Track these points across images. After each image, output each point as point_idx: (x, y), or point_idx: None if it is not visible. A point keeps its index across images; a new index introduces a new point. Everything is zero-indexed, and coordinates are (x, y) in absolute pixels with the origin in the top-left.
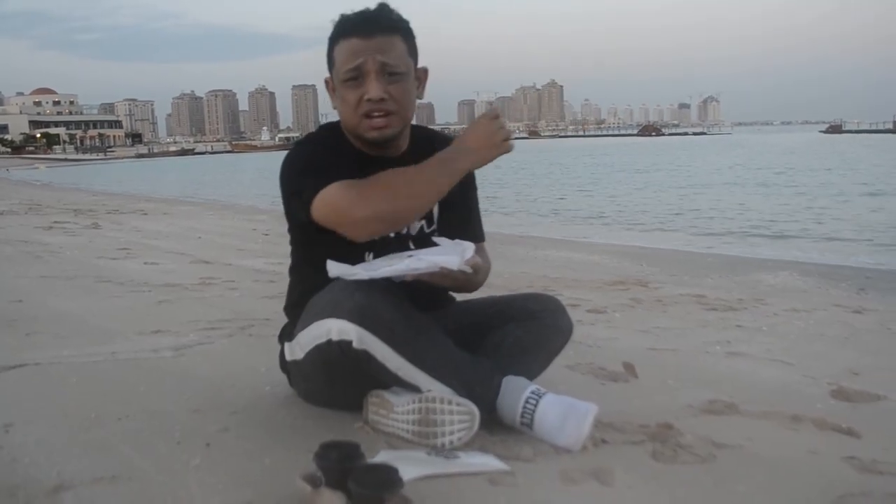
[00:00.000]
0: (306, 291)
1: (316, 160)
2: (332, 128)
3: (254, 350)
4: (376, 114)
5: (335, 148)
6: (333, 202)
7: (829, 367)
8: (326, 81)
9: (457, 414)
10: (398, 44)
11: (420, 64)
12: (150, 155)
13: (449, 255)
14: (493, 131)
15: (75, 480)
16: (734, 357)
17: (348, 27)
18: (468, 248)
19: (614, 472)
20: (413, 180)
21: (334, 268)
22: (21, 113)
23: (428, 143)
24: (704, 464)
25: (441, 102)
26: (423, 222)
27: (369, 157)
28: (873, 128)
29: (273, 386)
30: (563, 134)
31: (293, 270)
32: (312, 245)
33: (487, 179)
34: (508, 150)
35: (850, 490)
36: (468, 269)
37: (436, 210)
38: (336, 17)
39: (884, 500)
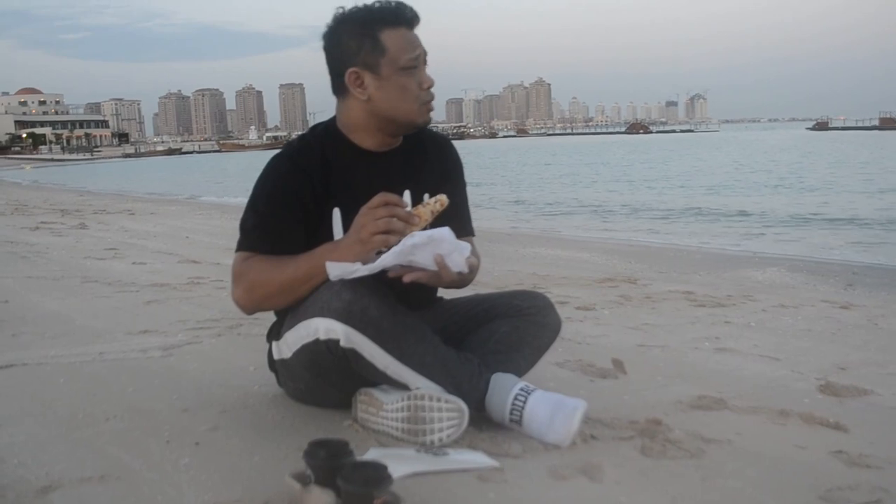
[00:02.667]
0: None
1: (269, 200)
2: (323, 130)
3: (242, 349)
4: (429, 99)
5: (325, 152)
6: (232, 271)
7: (816, 362)
8: (353, 74)
9: (445, 411)
10: None
11: None
12: (137, 154)
13: (448, 249)
14: (361, 225)
15: (64, 480)
16: (723, 353)
17: (394, 17)
18: (465, 247)
19: (603, 468)
20: (282, 279)
21: (334, 269)
22: (6, 113)
23: (418, 137)
24: (693, 459)
25: None
26: None
27: (369, 153)
28: (859, 125)
29: (262, 385)
30: (551, 132)
31: None
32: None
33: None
34: (379, 246)
35: (837, 484)
36: (465, 270)
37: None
38: (363, 5)
39: (871, 493)
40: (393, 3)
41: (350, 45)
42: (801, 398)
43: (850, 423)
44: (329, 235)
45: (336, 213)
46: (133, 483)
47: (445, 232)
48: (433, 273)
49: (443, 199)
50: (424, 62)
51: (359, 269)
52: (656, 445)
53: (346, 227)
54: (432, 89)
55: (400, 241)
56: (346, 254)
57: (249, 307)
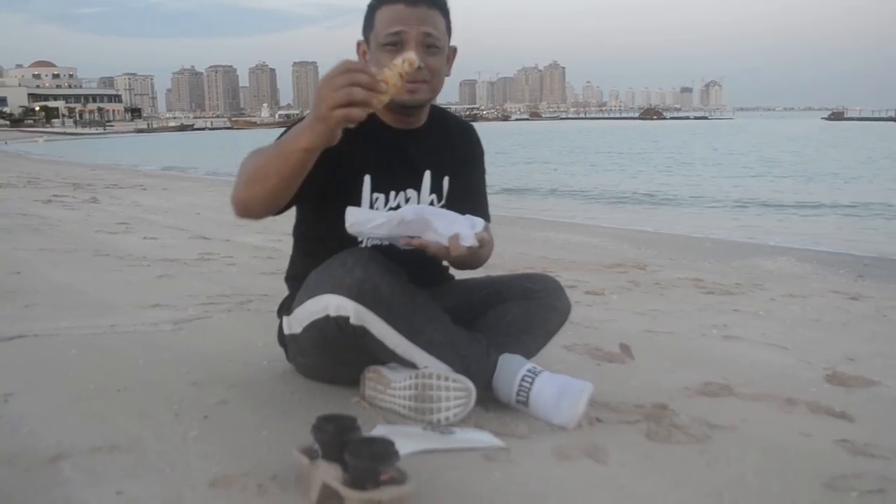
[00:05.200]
0: (308, 263)
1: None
2: None
3: (252, 325)
4: (410, 80)
5: None
6: None
7: (824, 352)
8: (358, 44)
9: (453, 390)
10: (439, 18)
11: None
12: (150, 130)
13: (464, 228)
14: (320, 99)
15: (74, 449)
16: (730, 340)
17: None
18: (478, 223)
19: (608, 451)
20: (258, 162)
21: (352, 214)
22: (20, 86)
23: (442, 121)
24: (698, 444)
25: None
26: (434, 196)
27: (392, 128)
28: (875, 115)
29: (271, 360)
30: (564, 116)
31: (297, 241)
32: (320, 216)
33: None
34: (341, 121)
35: (841, 472)
36: (475, 244)
37: (445, 186)
38: None
39: (875, 482)
40: None
41: (364, 19)
42: (808, 387)
43: (856, 413)
44: (357, 202)
45: (367, 180)
46: (142, 454)
47: (468, 235)
48: (442, 246)
49: (410, 57)
50: (419, 41)
51: (376, 217)
52: (662, 430)
53: (373, 192)
54: (425, 71)
55: (364, 112)
56: (309, 135)
57: (234, 198)
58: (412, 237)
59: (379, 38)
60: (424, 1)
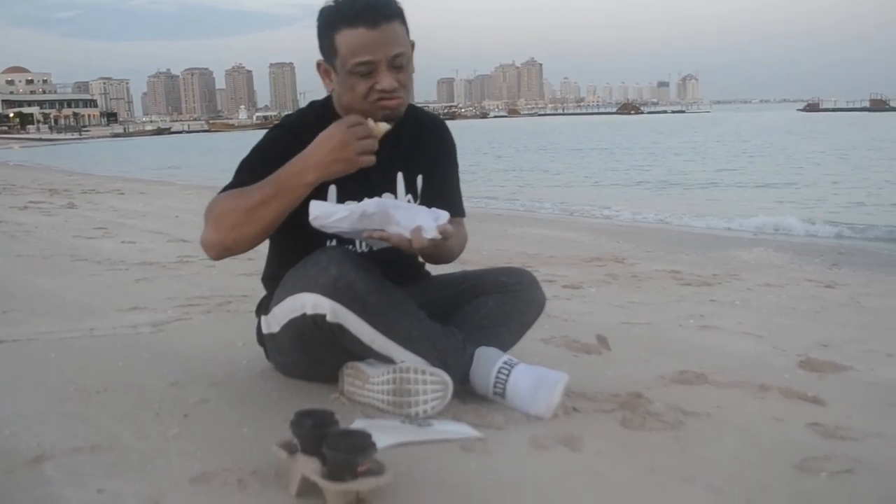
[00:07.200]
0: (284, 263)
1: (262, 155)
2: (322, 106)
3: (231, 326)
4: (387, 98)
5: (318, 130)
6: (204, 216)
7: (799, 339)
8: (319, 64)
9: (430, 384)
10: (399, 29)
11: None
12: (126, 134)
13: (426, 220)
14: (344, 143)
15: (56, 450)
16: (707, 330)
17: (352, 15)
18: (442, 216)
19: (584, 439)
20: (248, 203)
21: (317, 208)
22: None
23: (414, 119)
24: (673, 430)
25: (420, 79)
26: (409, 196)
27: None
28: (850, 106)
29: (250, 360)
30: (542, 112)
31: (272, 243)
32: (295, 222)
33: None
34: (368, 164)
35: (812, 454)
36: (437, 236)
37: (419, 184)
38: (328, 2)
39: (844, 463)
40: (359, 2)
41: (319, 39)
42: (782, 373)
43: (828, 397)
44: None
45: (332, 190)
46: (123, 453)
47: (430, 227)
48: (404, 238)
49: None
50: (388, 65)
51: (339, 210)
52: (636, 418)
53: (346, 201)
54: (399, 88)
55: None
56: (320, 172)
57: (217, 243)
58: (375, 230)
59: (346, 66)
60: (383, 17)
